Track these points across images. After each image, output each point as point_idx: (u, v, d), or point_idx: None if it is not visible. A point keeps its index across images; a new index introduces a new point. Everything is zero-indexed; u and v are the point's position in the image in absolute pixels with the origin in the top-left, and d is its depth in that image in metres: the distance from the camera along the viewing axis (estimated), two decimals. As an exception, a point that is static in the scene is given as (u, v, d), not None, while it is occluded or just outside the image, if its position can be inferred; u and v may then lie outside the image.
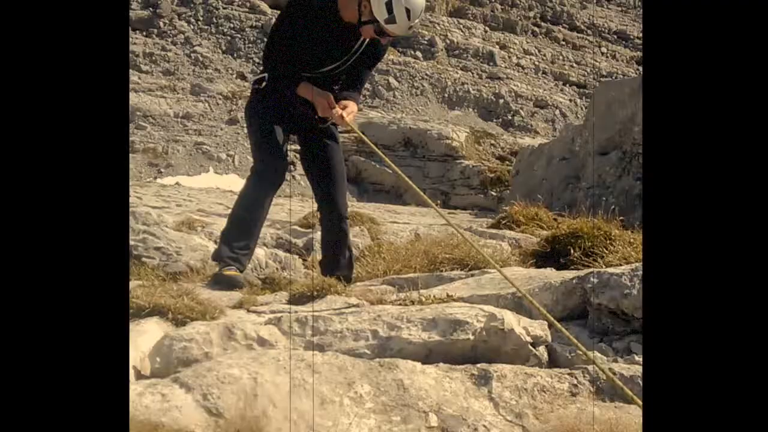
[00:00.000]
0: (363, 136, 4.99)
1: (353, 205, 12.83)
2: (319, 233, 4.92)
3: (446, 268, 5.10)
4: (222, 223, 4.91)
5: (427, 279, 4.65)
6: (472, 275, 4.63)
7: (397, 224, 9.22)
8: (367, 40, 4.45)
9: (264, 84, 4.54)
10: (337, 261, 4.68)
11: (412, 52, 32.33)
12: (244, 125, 5.24)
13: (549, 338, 3.39)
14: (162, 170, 23.85)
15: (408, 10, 4.23)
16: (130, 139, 24.17)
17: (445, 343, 3.08)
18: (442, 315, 3.21)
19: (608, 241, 5.19)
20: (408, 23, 4.28)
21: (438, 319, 3.18)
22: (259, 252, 5.57)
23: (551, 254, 5.57)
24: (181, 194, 16.69)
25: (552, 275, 4.40)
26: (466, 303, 3.59)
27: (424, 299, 3.69)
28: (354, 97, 4.58)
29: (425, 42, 32.98)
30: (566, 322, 3.80)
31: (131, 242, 5.05)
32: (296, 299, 3.75)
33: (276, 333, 3.10)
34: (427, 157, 23.62)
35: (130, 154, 23.72)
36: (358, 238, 7.16)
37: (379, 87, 30.19)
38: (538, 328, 3.35)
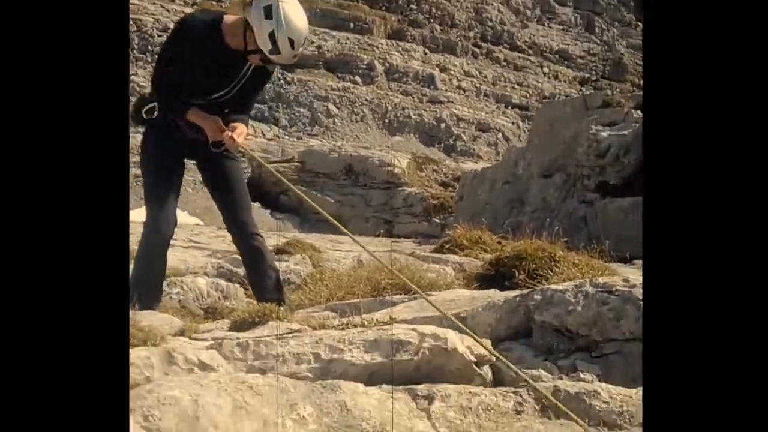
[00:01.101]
0: (255, 156, 5.11)
1: (295, 235, 12.72)
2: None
3: (390, 293, 5.08)
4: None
5: (370, 304, 4.61)
6: (415, 298, 4.61)
7: (339, 252, 9.18)
8: (254, 65, 4.43)
9: (155, 114, 4.47)
10: (263, 283, 4.59)
11: (351, 77, 32.32)
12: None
13: (493, 357, 3.37)
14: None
15: (291, 40, 4.22)
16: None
17: (387, 364, 3.06)
18: (385, 336, 3.19)
19: (553, 263, 5.21)
20: (292, 52, 4.28)
21: (380, 340, 3.16)
22: (200, 282, 5.49)
23: (496, 277, 5.57)
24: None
25: (495, 295, 4.40)
26: (409, 324, 3.57)
27: (366, 323, 3.66)
28: (243, 120, 4.55)
29: (364, 66, 33.00)
30: (511, 341, 3.80)
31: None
32: (238, 326, 3.70)
33: (217, 357, 3.06)
34: (369, 185, 23.64)
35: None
36: (299, 266, 7.13)
37: (319, 114, 30.13)
38: (483, 348, 3.34)
